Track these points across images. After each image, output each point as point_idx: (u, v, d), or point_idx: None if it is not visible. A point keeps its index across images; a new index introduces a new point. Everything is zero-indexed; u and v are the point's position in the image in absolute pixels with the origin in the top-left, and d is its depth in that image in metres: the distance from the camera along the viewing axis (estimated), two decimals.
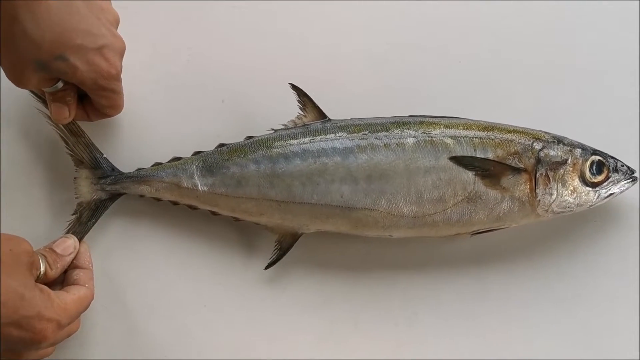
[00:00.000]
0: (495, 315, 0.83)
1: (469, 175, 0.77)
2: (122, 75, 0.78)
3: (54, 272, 0.75)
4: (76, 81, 0.74)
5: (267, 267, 0.81)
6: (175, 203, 0.82)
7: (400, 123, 0.79)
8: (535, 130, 0.81)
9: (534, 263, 0.84)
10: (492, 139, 0.79)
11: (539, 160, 0.78)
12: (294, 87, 0.81)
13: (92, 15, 0.72)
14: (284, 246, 0.81)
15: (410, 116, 0.81)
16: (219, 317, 0.83)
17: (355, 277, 0.84)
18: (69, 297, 0.73)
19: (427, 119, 0.80)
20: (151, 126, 0.86)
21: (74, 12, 0.70)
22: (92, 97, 0.78)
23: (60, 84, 0.75)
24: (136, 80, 0.86)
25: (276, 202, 0.79)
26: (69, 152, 0.82)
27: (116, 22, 0.78)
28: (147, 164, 0.83)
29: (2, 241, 0.68)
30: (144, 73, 0.87)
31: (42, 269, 0.73)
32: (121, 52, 0.77)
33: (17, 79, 0.72)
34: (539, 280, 0.84)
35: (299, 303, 0.83)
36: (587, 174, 0.79)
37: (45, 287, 0.71)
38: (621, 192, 0.80)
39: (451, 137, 0.78)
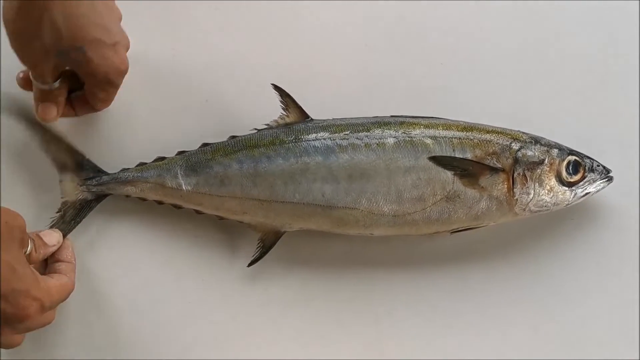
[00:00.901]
0: (474, 312, 0.85)
1: (447, 175, 0.79)
2: None
3: (37, 256, 0.76)
4: (86, 72, 0.77)
5: (249, 265, 0.82)
6: (160, 202, 0.83)
7: (381, 123, 0.81)
8: (514, 130, 0.82)
9: (512, 261, 0.85)
10: (471, 139, 0.80)
11: (516, 160, 0.80)
12: (276, 88, 0.82)
13: (108, 12, 0.78)
14: (267, 244, 0.82)
15: (392, 116, 0.82)
16: (201, 314, 0.84)
17: (336, 275, 0.85)
18: (52, 281, 0.74)
19: (407, 119, 0.81)
20: (135, 126, 0.87)
21: (95, 9, 0.76)
22: (91, 90, 0.80)
23: (56, 84, 0.79)
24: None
25: (259, 201, 0.80)
26: (51, 159, 0.83)
27: (121, 20, 0.82)
28: (132, 163, 0.83)
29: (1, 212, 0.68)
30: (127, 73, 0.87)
31: (28, 249, 0.74)
32: (128, 49, 0.81)
33: (34, 64, 0.77)
34: (518, 279, 0.85)
35: (280, 300, 0.84)
36: (564, 173, 0.81)
37: (31, 267, 0.72)
38: (597, 192, 0.82)
39: (431, 137, 0.80)
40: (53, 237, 0.79)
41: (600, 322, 0.85)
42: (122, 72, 0.80)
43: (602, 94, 0.89)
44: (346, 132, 0.80)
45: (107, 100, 0.82)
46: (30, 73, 0.79)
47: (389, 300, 0.84)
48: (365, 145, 0.79)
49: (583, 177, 0.81)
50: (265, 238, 0.82)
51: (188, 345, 0.83)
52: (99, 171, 0.83)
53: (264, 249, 0.82)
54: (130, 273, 0.84)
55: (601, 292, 0.85)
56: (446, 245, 0.85)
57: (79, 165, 0.83)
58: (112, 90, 0.81)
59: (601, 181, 0.82)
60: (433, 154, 0.79)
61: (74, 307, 0.82)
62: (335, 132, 0.80)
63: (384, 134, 0.80)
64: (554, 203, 0.81)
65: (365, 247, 0.85)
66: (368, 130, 0.80)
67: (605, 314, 0.85)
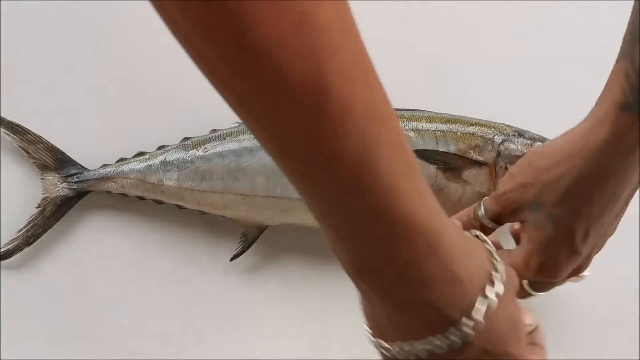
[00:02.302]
0: None
1: (431, 168, 0.78)
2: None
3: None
4: None
5: (232, 259, 0.82)
6: (141, 198, 0.82)
7: None
8: (498, 123, 0.81)
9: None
10: (454, 132, 0.79)
11: (499, 154, 0.79)
12: None
13: None
14: (250, 238, 0.81)
15: None
16: (183, 309, 0.83)
17: (320, 267, 0.84)
18: None
19: None
20: (114, 120, 0.86)
21: None
22: None
23: None
24: (97, 73, 0.86)
25: (240, 196, 0.79)
26: (31, 159, 0.82)
27: None
28: (112, 159, 0.82)
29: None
30: (105, 66, 0.86)
31: None
32: None
33: None
34: None
35: (264, 293, 0.84)
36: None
37: None
38: None
39: (413, 130, 0.79)
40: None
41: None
42: None
43: (588, 85, 0.88)
44: None
45: None
46: None
47: None
48: None
49: None
50: (248, 232, 0.81)
51: (168, 341, 0.83)
52: (80, 167, 0.82)
53: (247, 243, 0.81)
54: (111, 269, 0.83)
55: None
56: None
57: (59, 162, 0.82)
58: None
59: None
60: (416, 147, 0.78)
61: (55, 302, 0.82)
62: None
63: None
64: None
65: None
66: None
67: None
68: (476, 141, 0.79)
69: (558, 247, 0.61)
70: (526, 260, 0.62)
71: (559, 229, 0.60)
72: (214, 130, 0.82)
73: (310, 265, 0.85)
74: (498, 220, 0.65)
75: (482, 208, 0.65)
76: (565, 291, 0.83)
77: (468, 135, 0.79)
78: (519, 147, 0.80)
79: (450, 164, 0.78)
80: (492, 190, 0.78)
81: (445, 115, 0.81)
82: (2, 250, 0.81)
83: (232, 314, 0.83)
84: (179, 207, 0.82)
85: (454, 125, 0.80)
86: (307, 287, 0.84)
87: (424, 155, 0.78)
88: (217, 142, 0.80)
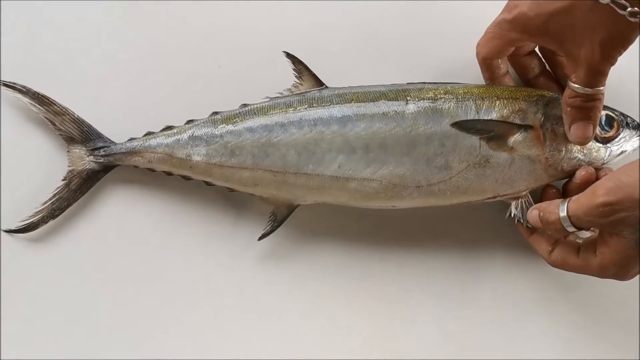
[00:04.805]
0: (491, 299, 0.81)
1: (474, 139, 0.74)
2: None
3: None
4: None
5: (260, 238, 0.79)
6: (169, 173, 0.80)
7: (400, 90, 0.76)
8: (538, 89, 0.77)
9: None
10: (495, 99, 0.75)
11: (545, 115, 0.75)
12: (289, 55, 0.78)
13: None
14: (279, 217, 0.78)
15: (409, 83, 0.77)
16: (207, 288, 0.81)
17: (348, 251, 0.81)
18: None
19: (426, 85, 0.77)
20: (142, 93, 0.83)
21: None
22: None
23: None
24: (125, 45, 0.83)
25: (271, 172, 0.76)
26: (57, 131, 0.80)
27: None
28: (139, 132, 0.80)
29: None
30: (133, 37, 0.84)
31: None
32: None
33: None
34: (540, 267, 0.80)
35: (289, 276, 0.81)
36: (597, 128, 0.75)
37: None
38: (634, 150, 0.77)
39: (452, 101, 0.75)
40: None
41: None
42: None
43: None
44: (363, 99, 0.75)
45: None
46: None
47: (401, 280, 0.81)
48: (383, 113, 0.75)
49: (617, 133, 0.76)
50: (278, 211, 0.78)
51: (192, 318, 0.80)
52: (107, 141, 0.80)
53: (276, 222, 0.78)
54: (135, 246, 0.81)
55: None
56: (467, 225, 0.81)
57: (85, 135, 0.80)
58: None
59: (638, 138, 0.76)
60: (456, 119, 0.74)
61: (77, 276, 0.80)
62: (352, 100, 0.75)
63: (403, 100, 0.75)
64: (588, 162, 0.75)
65: (380, 224, 0.81)
66: (386, 97, 0.75)
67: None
68: (519, 105, 0.75)
69: (637, 264, 0.67)
70: (603, 267, 0.68)
71: None
72: (244, 105, 0.79)
73: (339, 247, 0.81)
74: (579, 226, 0.68)
75: (565, 210, 0.68)
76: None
77: (510, 99, 0.75)
78: None
79: (493, 132, 0.74)
80: (540, 155, 0.74)
81: (483, 85, 0.77)
82: (27, 222, 0.79)
83: (257, 294, 0.81)
84: (207, 183, 0.79)
85: (493, 92, 0.76)
86: (335, 269, 0.81)
87: (465, 126, 0.73)
88: (248, 117, 0.77)
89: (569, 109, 0.72)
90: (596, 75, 0.69)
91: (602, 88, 0.70)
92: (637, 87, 0.83)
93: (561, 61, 0.78)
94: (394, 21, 0.84)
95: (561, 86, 0.78)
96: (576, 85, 0.70)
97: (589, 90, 0.70)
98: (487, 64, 0.77)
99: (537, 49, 0.79)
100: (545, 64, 0.80)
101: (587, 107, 0.71)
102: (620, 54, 0.67)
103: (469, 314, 0.81)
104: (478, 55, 0.77)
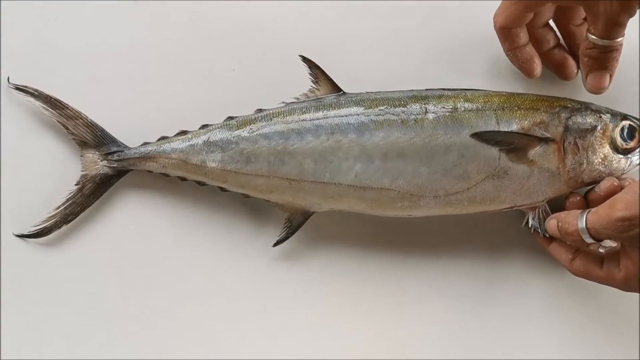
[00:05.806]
0: (506, 303, 0.81)
1: (493, 150, 0.73)
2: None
3: None
4: None
5: (275, 245, 0.78)
6: (183, 179, 0.79)
7: (419, 97, 0.75)
8: (560, 98, 0.76)
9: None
10: (516, 110, 0.74)
11: (567, 128, 0.74)
12: (305, 60, 0.77)
13: None
14: (294, 224, 0.77)
15: (427, 89, 0.76)
16: (219, 292, 0.81)
17: (362, 255, 0.81)
18: None
19: (446, 92, 0.75)
20: (156, 95, 0.82)
21: None
22: None
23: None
24: (139, 47, 0.82)
25: (287, 180, 0.75)
26: (70, 135, 0.79)
27: None
28: (152, 137, 0.79)
29: None
30: (148, 40, 0.83)
31: None
32: None
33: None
34: (555, 272, 0.80)
35: (302, 280, 0.81)
36: (618, 140, 0.74)
37: None
38: None
39: (472, 111, 0.74)
40: None
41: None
42: None
43: None
44: (381, 107, 0.74)
45: None
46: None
47: (415, 286, 0.81)
48: (402, 121, 0.74)
49: (639, 144, 0.75)
50: (293, 218, 0.77)
51: (205, 322, 0.80)
52: (120, 145, 0.79)
53: (291, 229, 0.78)
54: (148, 251, 0.81)
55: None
56: (481, 230, 0.81)
57: (98, 139, 0.79)
58: None
59: None
60: (476, 129, 0.73)
61: (90, 281, 0.80)
62: (370, 107, 0.74)
63: (421, 109, 0.74)
64: (609, 173, 0.75)
65: (393, 230, 0.81)
66: (405, 105, 0.74)
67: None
68: (541, 117, 0.74)
69: None
70: (628, 281, 0.68)
71: None
72: (260, 110, 0.78)
73: (352, 255, 0.81)
74: (598, 238, 0.68)
75: (584, 222, 0.68)
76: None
77: (531, 111, 0.74)
78: (588, 119, 0.74)
79: (513, 145, 0.73)
80: (560, 168, 0.73)
81: (505, 93, 0.76)
82: (40, 227, 0.79)
83: (270, 300, 0.80)
84: (222, 189, 0.78)
85: (514, 102, 0.74)
86: (348, 274, 0.81)
87: (485, 137, 0.72)
88: (263, 123, 0.76)
89: (586, 59, 0.73)
90: (614, 26, 0.69)
91: (620, 39, 0.71)
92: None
93: (574, 31, 0.78)
94: (415, 22, 0.83)
95: (575, 58, 0.79)
96: (594, 37, 0.71)
97: (606, 42, 0.71)
98: (505, 33, 0.75)
99: (551, 22, 0.79)
100: (560, 38, 0.80)
101: (604, 58, 0.72)
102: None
103: (482, 321, 0.81)
104: (495, 25, 0.75)
